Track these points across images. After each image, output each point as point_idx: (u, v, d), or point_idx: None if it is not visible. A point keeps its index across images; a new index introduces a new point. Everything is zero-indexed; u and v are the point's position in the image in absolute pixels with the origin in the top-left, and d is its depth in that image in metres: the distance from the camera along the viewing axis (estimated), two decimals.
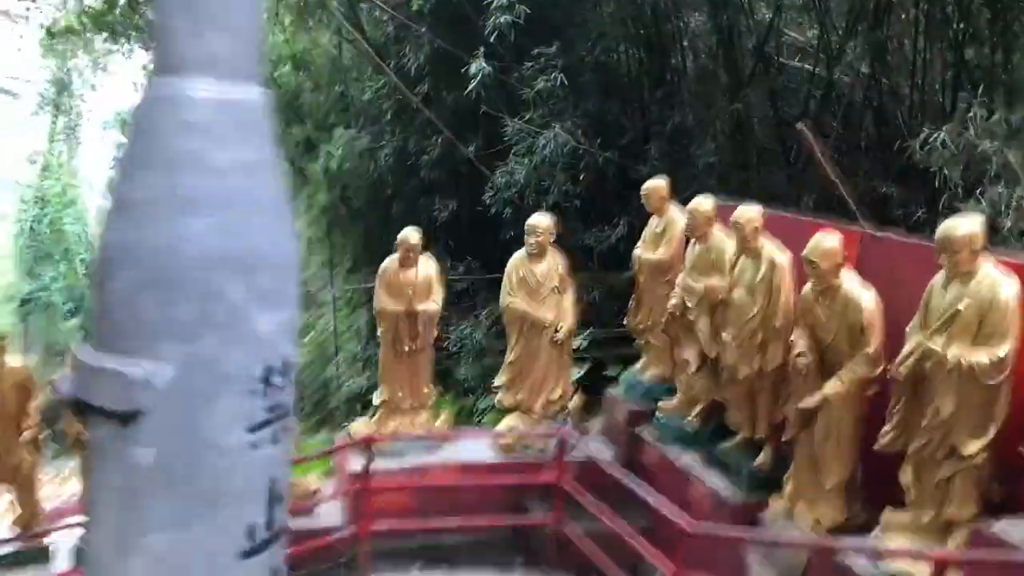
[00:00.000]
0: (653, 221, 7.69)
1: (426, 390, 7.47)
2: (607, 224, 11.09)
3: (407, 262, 7.20)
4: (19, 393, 6.72)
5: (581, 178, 11.33)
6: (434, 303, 7.26)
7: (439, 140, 13.12)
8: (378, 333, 7.39)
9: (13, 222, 38.91)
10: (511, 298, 7.38)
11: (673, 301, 7.01)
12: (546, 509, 6.93)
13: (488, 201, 11.86)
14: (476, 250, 12.94)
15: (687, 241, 7.15)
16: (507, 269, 7.49)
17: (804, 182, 9.54)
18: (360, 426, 7.47)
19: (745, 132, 10.30)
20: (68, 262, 37.87)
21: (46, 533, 7.01)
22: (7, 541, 6.84)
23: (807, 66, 10.45)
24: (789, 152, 10.38)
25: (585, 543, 6.37)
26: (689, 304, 6.83)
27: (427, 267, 7.31)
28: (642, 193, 7.64)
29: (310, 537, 6.72)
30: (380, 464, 7.05)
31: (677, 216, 7.37)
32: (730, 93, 10.33)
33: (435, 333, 7.42)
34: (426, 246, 10.35)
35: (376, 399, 7.49)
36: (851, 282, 5.39)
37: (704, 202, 6.81)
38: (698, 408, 6.99)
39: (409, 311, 7.12)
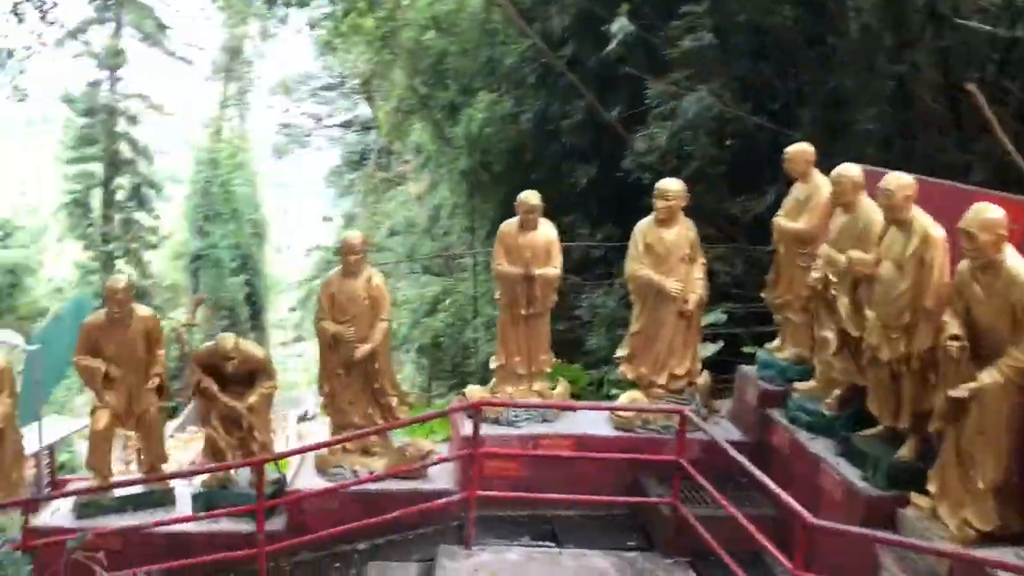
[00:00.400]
0: (796, 188, 7.10)
1: (543, 357, 7.21)
2: (755, 193, 10.45)
3: (527, 224, 6.94)
4: (147, 340, 6.90)
5: (728, 143, 10.73)
6: (553, 268, 6.97)
7: (581, 104, 12.79)
8: (495, 297, 7.18)
9: (187, 183, 41.24)
10: (636, 265, 7.00)
11: (814, 275, 6.43)
12: (664, 490, 6.56)
13: (628, 167, 11.46)
14: (615, 217, 12.55)
15: (832, 211, 6.53)
16: (633, 235, 7.11)
17: (975, 151, 8.63)
18: (475, 390, 7.29)
19: (910, 97, 9.41)
20: (236, 221, 39.79)
21: (169, 478, 7.21)
22: (133, 483, 7.07)
23: (986, 26, 9.41)
24: (959, 119, 9.41)
25: (704, 528, 5.97)
26: (832, 278, 6.24)
27: (547, 230, 7.02)
28: (785, 157, 7.05)
29: (422, 499, 6.65)
30: (492, 430, 6.89)
31: (822, 183, 6.75)
32: (894, 55, 9.45)
33: (554, 298, 7.12)
34: (564, 212, 9.93)
35: (492, 364, 7.30)
36: (1015, 259, 4.72)
37: (851, 168, 6.18)
38: (836, 392, 6.40)
39: (527, 275, 6.86)
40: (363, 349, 6.64)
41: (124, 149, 35.34)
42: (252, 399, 6.75)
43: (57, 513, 6.99)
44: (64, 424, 13.19)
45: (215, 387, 6.66)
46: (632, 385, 7.38)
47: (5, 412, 6.77)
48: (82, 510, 6.86)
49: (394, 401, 6.93)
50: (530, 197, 6.94)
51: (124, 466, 9.05)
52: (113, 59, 34.42)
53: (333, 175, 32.12)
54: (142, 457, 7.20)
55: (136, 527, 6.58)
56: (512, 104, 13.80)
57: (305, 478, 7.02)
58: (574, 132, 13.03)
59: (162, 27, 36.04)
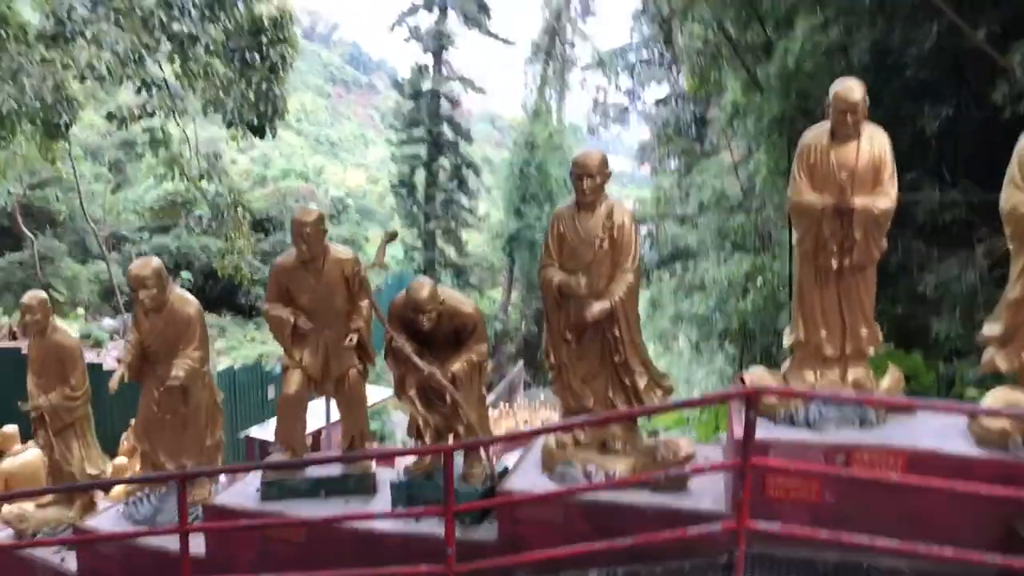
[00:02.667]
0: None
1: (865, 332, 4.89)
2: None
3: (843, 132, 4.65)
4: (346, 287, 5.61)
5: None
6: (885, 197, 4.64)
7: (934, 26, 9.95)
8: (794, 241, 4.98)
9: (505, 164, 41.74)
10: (1020, 194, 4.49)
11: None
12: None
13: (999, 101, 8.61)
14: (977, 169, 9.65)
15: None
16: (1017, 151, 4.60)
17: None
18: (759, 375, 5.17)
19: None
20: (551, 203, 39.62)
21: (363, 458, 5.88)
22: (326, 460, 5.85)
23: None
24: None
25: None
26: None
27: (875, 141, 4.67)
28: None
29: (675, 520, 4.74)
30: (783, 433, 4.80)
31: None
32: None
33: (883, 245, 4.77)
34: (907, 166, 7.31)
35: (786, 339, 5.12)
36: None
37: None
38: None
39: (840, 206, 4.60)
40: (597, 307, 4.83)
41: (446, 131, 36.31)
42: (455, 366, 5.19)
43: (244, 491, 5.95)
44: (376, 391, 12.93)
45: (408, 347, 5.18)
46: (1005, 380, 4.89)
47: (190, 368, 5.82)
48: (267, 490, 5.74)
49: (642, 381, 5.06)
50: (849, 90, 4.63)
51: None
52: (438, 42, 35.38)
53: (645, 151, 30.47)
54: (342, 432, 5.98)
55: (321, 520, 5.32)
56: (840, 33, 11.17)
57: (525, 475, 5.38)
58: (923, 63, 10.21)
59: (484, 8, 36.45)
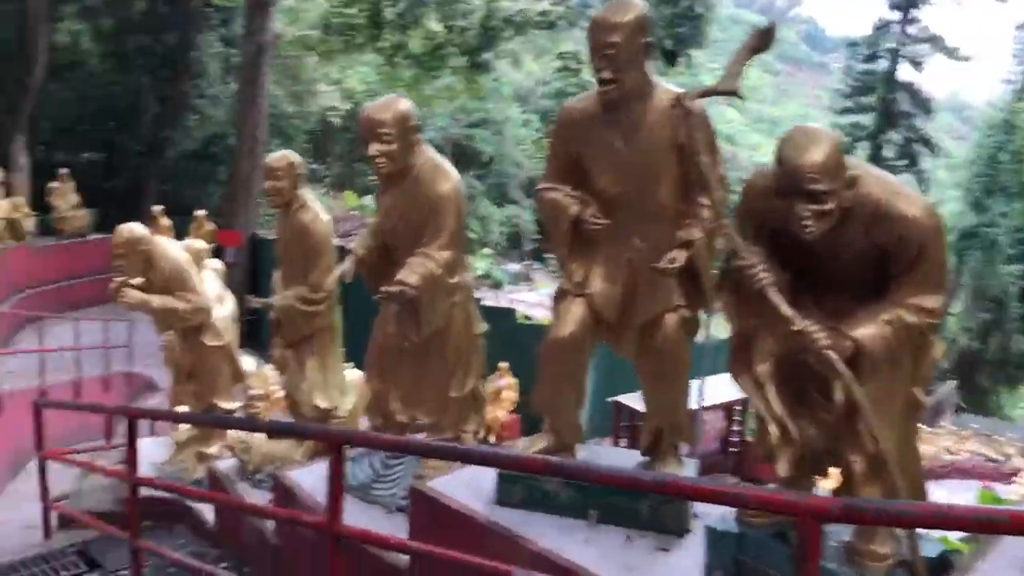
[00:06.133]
0: None
1: None
2: None
3: None
4: (677, 156, 3.08)
5: None
6: None
7: None
8: None
9: (972, 147, 35.36)
10: None
11: None
12: None
13: None
14: None
15: None
16: None
17: None
18: None
19: None
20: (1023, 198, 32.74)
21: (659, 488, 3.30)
22: (585, 476, 3.41)
23: None
24: None
25: None
26: None
27: None
28: None
29: None
30: None
31: None
32: None
33: None
34: None
35: None
36: None
37: None
38: None
39: None
40: None
41: (901, 99, 31.39)
42: (866, 330, 2.39)
43: (481, 478, 3.71)
44: None
45: (766, 276, 2.51)
46: None
47: (426, 273, 3.77)
48: (505, 490, 3.42)
49: None
50: None
51: None
52: None
53: None
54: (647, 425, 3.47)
55: None
56: None
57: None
58: None
59: None
